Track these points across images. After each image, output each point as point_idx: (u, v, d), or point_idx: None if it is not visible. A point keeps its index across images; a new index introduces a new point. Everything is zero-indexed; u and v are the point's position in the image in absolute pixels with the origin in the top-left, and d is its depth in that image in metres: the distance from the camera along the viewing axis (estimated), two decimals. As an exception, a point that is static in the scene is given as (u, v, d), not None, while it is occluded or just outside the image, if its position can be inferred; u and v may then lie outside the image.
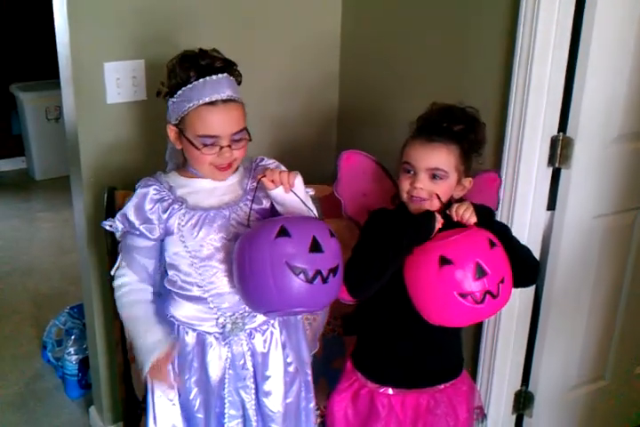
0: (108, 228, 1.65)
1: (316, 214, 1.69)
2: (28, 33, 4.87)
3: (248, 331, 1.68)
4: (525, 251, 1.73)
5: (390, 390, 1.77)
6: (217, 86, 1.55)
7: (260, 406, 1.72)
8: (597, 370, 2.35)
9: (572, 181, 1.97)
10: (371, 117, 2.39)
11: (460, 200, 1.70)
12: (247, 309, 1.64)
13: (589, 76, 1.86)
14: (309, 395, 1.81)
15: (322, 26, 2.40)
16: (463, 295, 1.51)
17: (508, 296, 1.57)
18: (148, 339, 1.63)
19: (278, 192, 1.61)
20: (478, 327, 2.14)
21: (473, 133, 1.64)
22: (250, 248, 1.52)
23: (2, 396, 2.71)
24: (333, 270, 1.50)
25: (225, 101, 1.55)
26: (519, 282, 1.71)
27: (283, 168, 1.70)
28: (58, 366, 2.73)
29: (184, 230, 1.61)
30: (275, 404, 1.73)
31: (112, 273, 1.70)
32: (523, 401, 2.25)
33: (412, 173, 1.62)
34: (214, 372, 1.68)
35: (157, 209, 1.61)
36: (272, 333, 1.71)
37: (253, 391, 1.71)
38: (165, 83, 1.61)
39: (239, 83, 1.63)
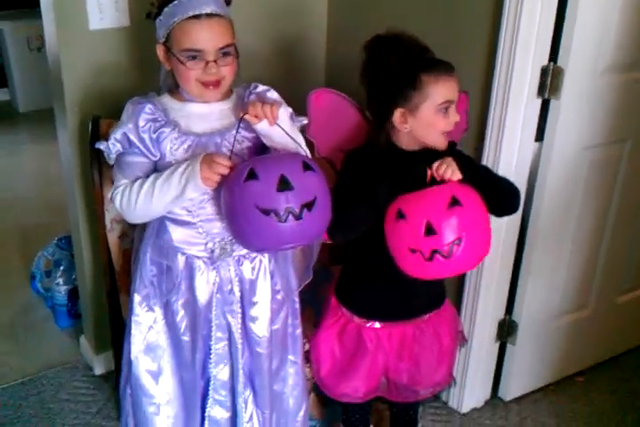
0: (102, 148, 1.63)
1: (304, 146, 1.67)
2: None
3: (236, 257, 1.70)
4: (506, 183, 1.73)
5: (377, 324, 1.80)
6: (202, 1, 1.53)
7: (246, 330, 1.75)
8: (581, 299, 2.39)
9: (562, 111, 1.96)
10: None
11: None
12: None
13: (581, 5, 1.83)
14: (296, 321, 1.84)
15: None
16: (412, 251, 1.52)
17: (467, 258, 1.53)
18: (181, 166, 1.57)
19: (263, 126, 1.59)
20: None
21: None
22: (224, 194, 1.53)
23: (-13, 327, 2.75)
24: (308, 205, 1.48)
25: (209, 15, 1.53)
26: (503, 211, 1.75)
27: (276, 96, 1.67)
28: (47, 297, 2.75)
29: (176, 155, 1.61)
30: (260, 329, 1.75)
31: (110, 195, 1.67)
32: (506, 329, 2.29)
33: (444, 110, 1.60)
34: (202, 295, 1.70)
35: (149, 128, 1.59)
36: (261, 261, 1.73)
37: (240, 316, 1.73)
38: (155, 3, 1.59)
39: (228, 3, 1.61)
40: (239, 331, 1.74)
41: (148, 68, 1.76)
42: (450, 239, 1.50)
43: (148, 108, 1.61)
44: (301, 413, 1.92)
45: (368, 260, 1.76)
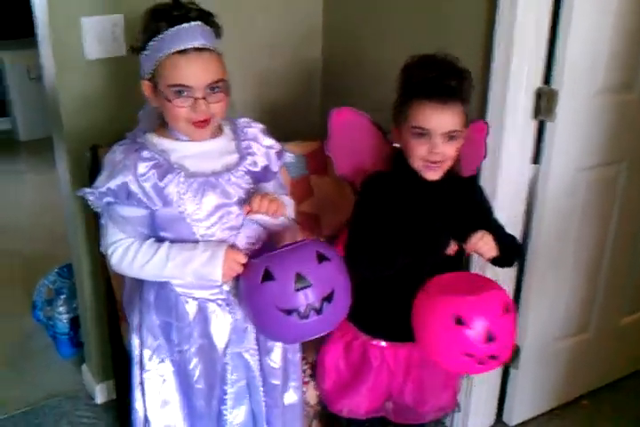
0: (89, 198, 1.55)
1: (291, 208, 1.71)
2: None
3: None
4: (517, 243, 1.77)
5: (383, 343, 1.79)
6: (189, 34, 1.46)
7: (262, 365, 1.72)
8: (583, 322, 2.38)
9: (557, 133, 1.97)
10: (355, 70, 2.36)
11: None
12: None
13: (574, 27, 1.85)
14: (296, 346, 1.82)
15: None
16: (469, 355, 1.54)
17: (505, 358, 1.61)
18: (200, 254, 1.55)
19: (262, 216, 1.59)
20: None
21: (467, 85, 1.62)
22: (243, 294, 1.56)
23: (-10, 356, 2.74)
24: (328, 298, 1.50)
25: (198, 50, 1.47)
26: (503, 263, 1.75)
27: (270, 141, 1.68)
28: (49, 326, 2.74)
29: (185, 199, 1.54)
30: (276, 359, 1.74)
31: (102, 249, 1.62)
32: (509, 353, 2.28)
33: (426, 137, 1.60)
34: (220, 339, 1.66)
35: (153, 175, 1.51)
36: None
37: (257, 352, 1.71)
38: (139, 38, 1.52)
39: (218, 35, 1.54)
40: (257, 367, 1.71)
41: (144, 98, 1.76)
42: (505, 343, 1.56)
43: (146, 152, 1.53)
44: None
45: (381, 280, 1.75)
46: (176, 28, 1.46)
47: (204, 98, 1.49)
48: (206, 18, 1.51)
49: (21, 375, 2.63)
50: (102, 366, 2.42)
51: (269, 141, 1.68)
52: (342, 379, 1.86)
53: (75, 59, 2.00)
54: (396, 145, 1.69)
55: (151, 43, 1.48)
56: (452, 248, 1.63)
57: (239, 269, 1.56)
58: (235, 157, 1.62)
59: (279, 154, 1.70)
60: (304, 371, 1.97)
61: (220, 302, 1.64)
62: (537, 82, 1.91)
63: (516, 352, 2.27)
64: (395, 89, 1.67)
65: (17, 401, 2.47)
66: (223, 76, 1.53)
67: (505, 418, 2.40)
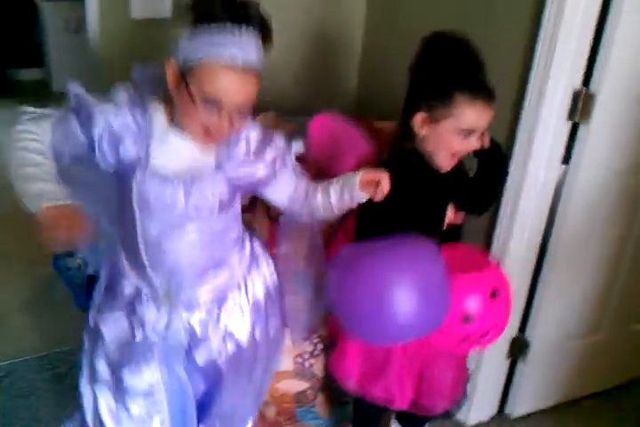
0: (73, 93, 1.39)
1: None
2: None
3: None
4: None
5: None
6: (244, 47, 1.33)
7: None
8: (595, 323, 2.37)
9: (590, 136, 1.96)
10: (395, 63, 2.34)
11: None
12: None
13: (619, 32, 1.83)
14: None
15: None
16: (442, 333, 1.52)
17: (485, 342, 1.60)
18: (48, 185, 1.38)
19: None
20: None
21: None
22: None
23: (10, 301, 2.78)
24: None
25: (246, 70, 1.34)
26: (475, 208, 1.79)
27: (271, 155, 1.54)
28: (67, 276, 2.77)
29: (142, 191, 1.44)
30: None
31: (22, 109, 1.42)
32: (518, 347, 2.28)
33: (464, 136, 1.58)
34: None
35: (120, 137, 1.40)
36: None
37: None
38: (190, 8, 1.36)
39: (269, 47, 1.39)
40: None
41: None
42: (488, 328, 1.55)
43: (135, 114, 1.40)
44: None
45: None
46: (234, 35, 1.32)
47: (229, 114, 1.38)
48: (264, 26, 1.37)
49: (36, 323, 2.67)
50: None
51: (270, 153, 1.53)
52: (367, 366, 1.79)
53: (120, 17, 2.00)
54: (422, 131, 1.62)
55: (203, 27, 1.33)
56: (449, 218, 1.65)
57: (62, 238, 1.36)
58: (208, 164, 1.49)
59: (287, 149, 1.57)
60: (315, 344, 1.99)
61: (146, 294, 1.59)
62: (576, 84, 1.89)
63: (525, 347, 2.28)
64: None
65: (33, 346, 2.53)
66: (254, 98, 1.41)
67: (507, 410, 2.40)
